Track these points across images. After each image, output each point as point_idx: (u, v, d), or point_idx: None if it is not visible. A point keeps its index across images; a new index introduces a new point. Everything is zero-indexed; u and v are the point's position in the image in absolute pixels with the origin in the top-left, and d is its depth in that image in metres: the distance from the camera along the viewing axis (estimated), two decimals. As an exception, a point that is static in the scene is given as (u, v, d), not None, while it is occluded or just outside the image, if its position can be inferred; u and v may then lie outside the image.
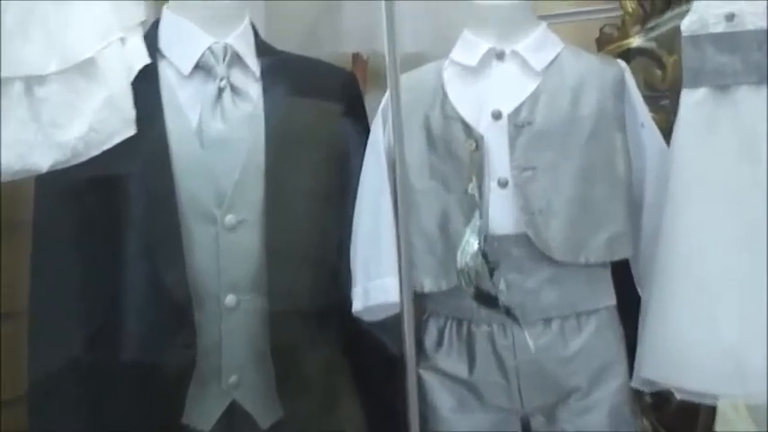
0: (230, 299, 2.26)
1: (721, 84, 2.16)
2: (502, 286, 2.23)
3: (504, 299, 2.22)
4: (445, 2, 2.69)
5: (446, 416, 2.35)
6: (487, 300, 2.19)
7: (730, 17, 2.13)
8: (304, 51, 2.53)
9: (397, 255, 2.16)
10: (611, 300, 2.32)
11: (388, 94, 2.29)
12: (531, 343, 2.18)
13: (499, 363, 2.31)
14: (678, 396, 2.21)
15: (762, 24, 2.11)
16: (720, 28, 2.15)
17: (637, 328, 2.29)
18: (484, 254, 2.16)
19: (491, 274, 2.18)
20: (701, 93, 2.19)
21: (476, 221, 2.19)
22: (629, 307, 2.32)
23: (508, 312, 2.23)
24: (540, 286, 2.27)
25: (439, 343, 2.35)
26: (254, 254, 2.26)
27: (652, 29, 2.59)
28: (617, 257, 2.31)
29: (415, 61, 2.50)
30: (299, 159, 2.29)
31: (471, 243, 2.18)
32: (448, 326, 2.34)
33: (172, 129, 2.24)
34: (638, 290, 2.37)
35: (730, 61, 2.15)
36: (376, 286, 2.30)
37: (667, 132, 2.30)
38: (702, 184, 2.19)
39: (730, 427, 2.38)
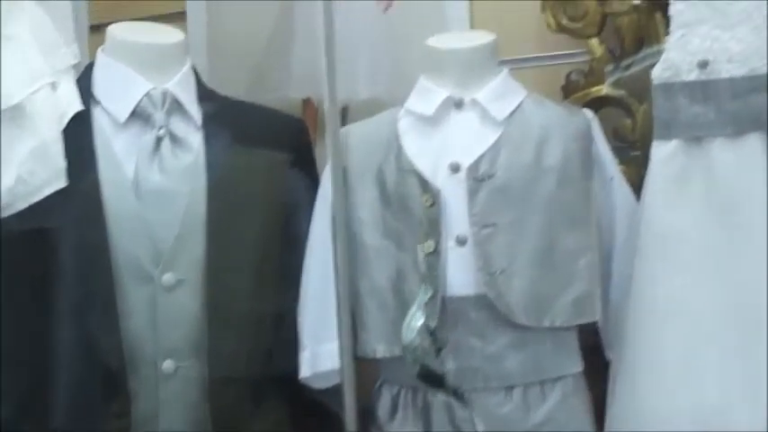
0: (168, 364, 2.17)
1: (694, 136, 2.11)
2: (449, 365, 2.16)
3: (452, 379, 2.13)
4: (404, 45, 2.64)
5: (400, 489, 2.29)
6: (433, 380, 2.14)
7: (703, 65, 2.09)
8: (251, 96, 2.47)
9: (337, 318, 2.07)
10: (578, 366, 2.23)
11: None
12: (480, 427, 2.11)
13: (457, 434, 2.23)
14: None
15: (737, 72, 2.07)
16: (693, 76, 2.11)
17: (605, 394, 2.20)
18: (430, 330, 2.07)
19: (438, 352, 2.10)
20: (673, 145, 2.13)
21: (423, 295, 2.10)
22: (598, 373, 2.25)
23: (456, 394, 2.15)
24: (502, 351, 2.18)
25: (393, 412, 2.26)
26: (194, 316, 2.17)
27: (621, 76, 2.55)
28: (584, 320, 2.23)
29: (371, 108, 2.47)
30: (243, 214, 2.22)
31: (417, 318, 2.10)
32: (402, 394, 2.24)
33: (106, 180, 2.14)
34: (607, 354, 2.29)
35: (704, 112, 2.10)
36: (325, 351, 2.21)
37: (638, 186, 2.26)
38: (675, 242, 2.14)
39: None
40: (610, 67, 2.54)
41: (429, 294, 2.11)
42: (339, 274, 2.07)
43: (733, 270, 2.08)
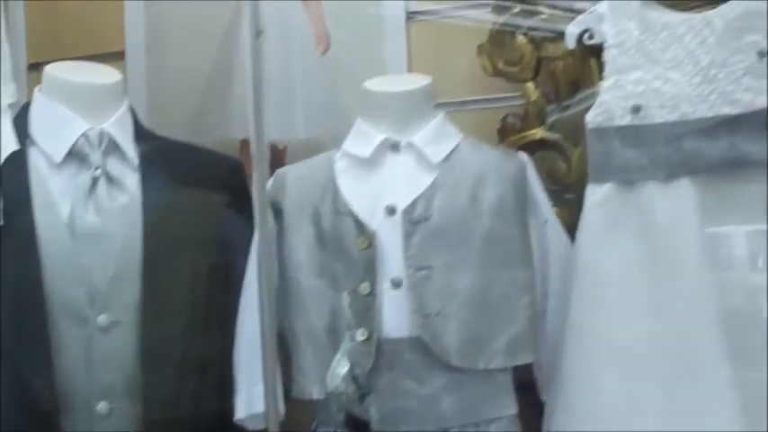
0: (102, 406, 2.14)
1: (627, 179, 2.14)
2: (373, 413, 2.15)
3: (375, 426, 2.15)
4: (343, 87, 2.65)
5: None
6: (358, 427, 2.11)
7: (636, 110, 2.12)
8: (190, 136, 2.45)
9: (263, 360, 2.05)
10: (513, 407, 2.24)
11: (270, 183, 2.25)
12: None
13: (394, 478, 2.22)
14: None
15: (669, 118, 2.09)
16: (626, 121, 2.14)
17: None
18: (354, 377, 2.05)
19: (362, 400, 2.07)
20: (607, 188, 2.16)
21: (347, 342, 2.09)
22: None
23: None
24: (437, 394, 2.18)
25: None
26: (129, 357, 2.14)
27: (556, 119, 2.58)
28: (519, 362, 2.24)
29: (310, 149, 2.47)
30: (179, 255, 2.20)
31: (342, 365, 2.07)
32: None
33: (41, 221, 2.13)
34: (541, 396, 2.31)
35: (636, 156, 2.13)
36: (260, 393, 2.16)
37: (572, 228, 2.27)
38: (609, 285, 2.16)
39: None
40: (552, 107, 2.55)
41: (356, 340, 2.09)
42: (264, 315, 2.04)
43: (666, 313, 2.09)
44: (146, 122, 2.40)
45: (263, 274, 2.00)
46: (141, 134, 2.32)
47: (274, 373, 2.07)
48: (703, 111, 2.08)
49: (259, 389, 2.20)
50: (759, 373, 2.02)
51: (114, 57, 2.78)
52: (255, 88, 2.03)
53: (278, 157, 2.82)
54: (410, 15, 2.76)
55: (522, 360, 2.21)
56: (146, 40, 2.90)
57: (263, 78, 2.04)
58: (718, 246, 2.11)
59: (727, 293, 2.09)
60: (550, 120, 2.53)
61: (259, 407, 2.19)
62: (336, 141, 2.33)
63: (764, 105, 2.03)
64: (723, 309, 2.06)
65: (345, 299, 2.11)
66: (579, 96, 2.44)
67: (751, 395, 2.03)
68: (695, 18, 2.14)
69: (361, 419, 2.09)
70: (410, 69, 2.74)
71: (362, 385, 2.07)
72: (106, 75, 2.33)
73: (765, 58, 2.04)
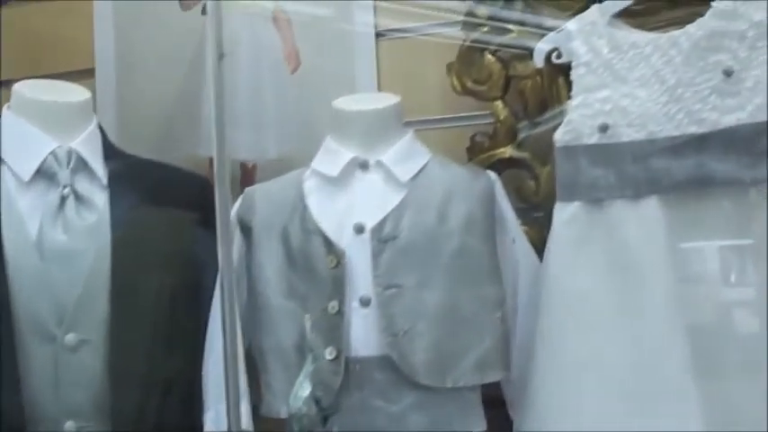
0: (70, 425, 2.14)
1: (595, 198, 2.14)
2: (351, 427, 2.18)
3: None
4: (313, 106, 2.65)
5: None
6: None
7: (604, 128, 2.13)
8: (160, 154, 2.44)
9: (225, 380, 2.01)
10: (481, 424, 2.24)
11: (239, 201, 2.27)
12: None
13: (365, 494, 2.21)
14: None
15: (636, 136, 2.10)
16: (594, 139, 2.14)
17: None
18: (317, 399, 2.04)
19: (324, 422, 2.06)
20: (575, 207, 2.17)
21: (309, 364, 2.06)
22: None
23: None
24: (406, 412, 2.17)
25: None
26: (97, 376, 2.14)
27: (525, 138, 2.57)
28: (487, 380, 2.23)
29: (280, 167, 2.48)
30: (147, 273, 2.19)
31: (304, 387, 2.05)
32: None
33: (9, 239, 2.13)
34: (510, 413, 2.32)
35: (604, 174, 2.13)
36: (222, 412, 2.11)
37: (540, 247, 2.27)
38: (577, 303, 2.15)
39: None
40: (523, 125, 2.55)
41: (321, 360, 2.09)
42: (226, 334, 2.01)
43: (635, 328, 2.09)
44: (115, 140, 2.40)
45: (225, 293, 1.98)
46: (110, 152, 2.31)
47: (237, 391, 2.00)
48: (670, 130, 2.09)
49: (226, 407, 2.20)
50: (727, 387, 2.03)
51: (84, 74, 2.77)
52: (218, 109, 2.00)
53: (248, 176, 2.82)
54: (380, 33, 2.75)
55: (490, 378, 2.21)
56: (116, 57, 2.89)
57: (225, 99, 2.01)
58: (685, 262, 2.11)
59: (695, 309, 2.09)
60: (521, 137, 2.51)
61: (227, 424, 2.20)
62: (306, 160, 2.34)
63: (731, 124, 2.03)
64: (690, 323, 2.07)
65: (308, 320, 2.08)
66: (549, 114, 2.44)
67: (719, 409, 2.03)
68: (662, 37, 2.15)
69: None
70: (380, 87, 2.73)
71: (325, 407, 2.05)
72: (75, 93, 2.32)
73: (731, 78, 2.05)
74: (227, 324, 1.98)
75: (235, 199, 2.35)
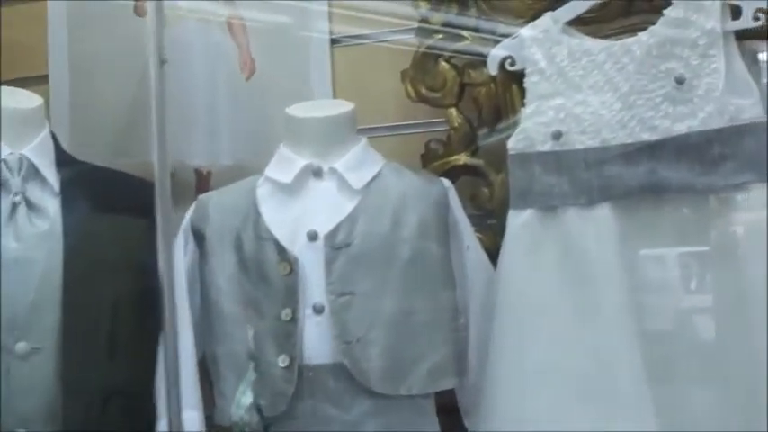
0: None
1: (549, 205, 2.17)
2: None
3: None
4: (268, 113, 2.65)
5: None
6: None
7: (557, 136, 2.15)
8: (112, 162, 2.43)
9: (166, 386, 2.06)
10: (435, 431, 2.28)
11: (192, 208, 2.28)
12: None
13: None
14: None
15: (590, 144, 2.13)
16: (548, 147, 2.17)
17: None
18: (258, 408, 2.06)
19: (266, 429, 2.09)
20: (528, 214, 2.19)
21: (250, 373, 2.08)
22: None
23: None
24: (359, 419, 2.19)
25: None
26: (48, 385, 2.12)
27: (479, 145, 2.58)
28: (441, 387, 2.25)
29: (234, 174, 2.49)
30: (99, 281, 2.17)
31: (247, 396, 2.07)
32: None
33: None
34: (464, 420, 2.33)
35: (558, 182, 2.16)
36: (183, 418, 2.16)
37: (494, 253, 2.29)
38: (531, 309, 2.17)
39: None
40: (483, 132, 2.55)
41: (255, 375, 2.09)
42: (168, 343, 2.06)
43: (589, 334, 2.11)
44: (68, 147, 2.38)
45: (168, 301, 2.01)
46: (62, 159, 2.31)
47: (178, 399, 2.05)
48: (623, 137, 2.10)
49: (187, 414, 2.20)
50: (681, 393, 2.05)
51: (38, 81, 2.75)
52: (159, 116, 2.05)
53: (202, 182, 2.84)
54: (335, 40, 2.76)
55: (444, 385, 2.24)
56: (69, 64, 2.89)
57: (165, 105, 2.05)
58: (638, 269, 2.12)
59: (648, 315, 2.10)
60: (481, 144, 2.52)
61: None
62: (261, 167, 2.37)
63: (683, 131, 2.05)
64: (644, 330, 2.08)
65: (250, 329, 2.09)
66: (504, 124, 2.46)
67: (673, 415, 2.05)
68: (615, 45, 2.17)
69: None
70: (335, 94, 2.74)
71: (266, 416, 2.07)
72: (27, 100, 2.32)
73: (683, 85, 2.07)
74: (168, 331, 2.02)
75: (189, 206, 2.34)
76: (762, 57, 2.39)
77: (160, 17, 2.06)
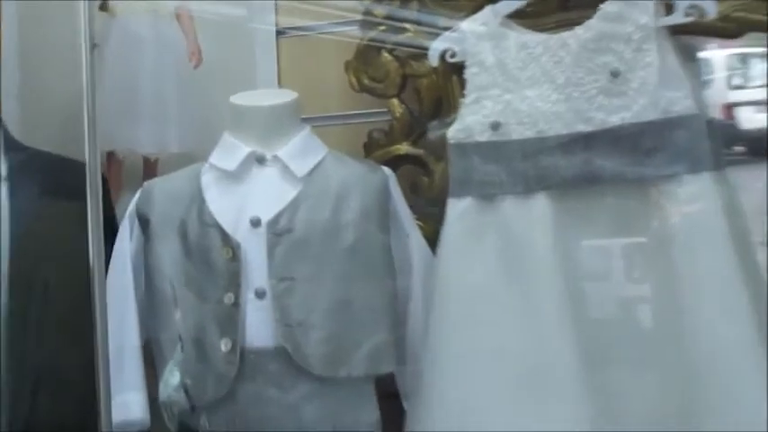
0: None
1: (487, 194, 2.20)
2: (203, 421, 2.23)
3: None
4: (214, 101, 2.66)
5: None
6: None
7: (495, 126, 2.18)
8: (59, 148, 2.42)
9: (96, 371, 2.03)
10: (375, 414, 2.28)
11: (138, 195, 2.31)
12: None
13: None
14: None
15: (526, 134, 2.16)
16: (486, 137, 2.20)
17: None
18: (185, 388, 2.13)
19: (193, 409, 2.16)
20: (467, 202, 2.22)
21: (178, 354, 2.15)
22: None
23: None
24: (300, 402, 2.22)
25: None
26: None
27: (420, 135, 2.61)
28: (380, 371, 2.28)
29: (181, 161, 2.54)
30: (44, 265, 2.23)
31: (174, 376, 2.14)
32: None
33: None
34: (403, 404, 2.34)
35: (496, 171, 2.19)
36: (118, 403, 2.17)
37: (434, 241, 2.31)
38: (469, 295, 2.20)
39: None
40: (434, 123, 2.58)
41: (183, 356, 2.17)
42: (97, 327, 2.04)
43: (526, 320, 2.13)
44: (17, 134, 2.39)
45: (97, 287, 2.01)
46: (10, 145, 2.32)
47: (108, 384, 2.03)
48: (559, 128, 2.15)
49: (116, 399, 2.18)
50: (617, 380, 2.08)
51: None
52: (90, 101, 2.06)
53: (150, 170, 2.89)
54: (280, 32, 2.78)
55: (383, 369, 2.27)
56: (19, 52, 2.88)
57: (96, 91, 2.07)
58: (573, 257, 2.15)
59: (584, 303, 2.14)
60: (414, 134, 2.55)
61: (117, 416, 2.17)
62: (207, 155, 2.38)
63: (617, 123, 2.09)
64: (580, 317, 2.11)
65: (178, 313, 2.16)
66: (452, 117, 2.49)
67: (608, 401, 2.07)
68: (552, 38, 2.20)
69: (192, 428, 2.17)
70: (281, 84, 2.76)
71: (192, 396, 2.14)
72: None
73: (618, 78, 2.11)
74: (97, 316, 2.01)
75: (135, 192, 2.37)
76: (698, 53, 2.45)
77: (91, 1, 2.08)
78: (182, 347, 2.17)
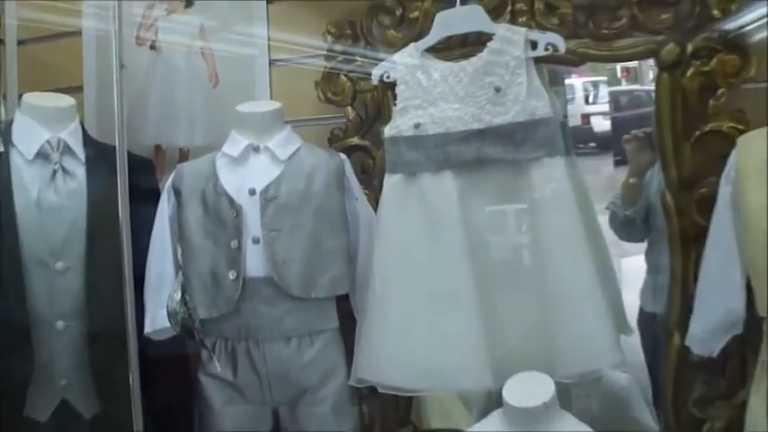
0: (60, 324, 2.41)
1: (411, 171, 2.37)
2: (197, 325, 2.43)
3: (199, 335, 2.42)
4: (227, 108, 2.73)
5: (218, 408, 2.49)
6: (189, 334, 2.41)
7: (417, 126, 2.37)
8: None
9: (123, 292, 2.29)
10: (335, 323, 2.51)
11: (172, 175, 2.52)
12: (269, 365, 2.42)
13: (254, 369, 2.47)
14: (380, 390, 2.38)
15: (437, 131, 2.33)
16: (410, 133, 2.37)
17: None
18: (185, 301, 2.36)
19: (191, 316, 2.37)
20: (397, 177, 2.40)
21: (180, 277, 2.41)
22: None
23: (202, 343, 2.44)
24: (283, 315, 2.43)
25: (211, 357, 2.47)
26: (78, 291, 2.41)
27: (366, 131, 2.75)
28: (338, 293, 2.50)
29: (204, 151, 2.68)
30: (111, 223, 2.32)
31: (178, 293, 2.39)
32: (218, 344, 2.46)
33: (18, 200, 2.41)
34: (355, 315, 2.52)
35: (417, 156, 2.36)
36: (161, 314, 2.43)
37: (376, 205, 2.50)
38: (398, 245, 2.39)
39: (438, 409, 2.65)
40: (356, 131, 2.75)
41: (183, 279, 2.41)
42: (125, 264, 2.29)
43: (435, 265, 2.32)
44: (93, 133, 2.61)
45: (125, 236, 2.26)
46: (87, 141, 2.57)
47: (134, 300, 2.30)
48: (460, 126, 2.32)
49: (160, 312, 2.45)
50: (500, 300, 2.28)
51: (76, 89, 2.95)
52: (119, 108, 2.28)
53: (183, 158, 3.05)
54: (272, 61, 2.95)
55: (340, 291, 2.49)
56: (97, 76, 3.09)
57: (125, 100, 2.29)
58: (472, 217, 2.31)
59: (478, 248, 2.30)
60: (363, 131, 2.72)
61: (160, 324, 2.45)
62: (221, 146, 2.55)
63: (500, 123, 2.27)
64: (476, 258, 2.28)
65: (178, 250, 2.45)
66: (385, 117, 2.64)
67: (500, 323, 2.28)
68: (455, 65, 2.37)
69: (191, 329, 2.39)
70: (272, 97, 2.92)
71: (190, 307, 2.37)
72: (63, 100, 2.59)
73: (500, 93, 2.28)
74: (125, 259, 2.27)
75: (169, 172, 2.59)
76: (564, 79, 2.76)
77: (120, 34, 2.28)
78: (182, 274, 2.39)
